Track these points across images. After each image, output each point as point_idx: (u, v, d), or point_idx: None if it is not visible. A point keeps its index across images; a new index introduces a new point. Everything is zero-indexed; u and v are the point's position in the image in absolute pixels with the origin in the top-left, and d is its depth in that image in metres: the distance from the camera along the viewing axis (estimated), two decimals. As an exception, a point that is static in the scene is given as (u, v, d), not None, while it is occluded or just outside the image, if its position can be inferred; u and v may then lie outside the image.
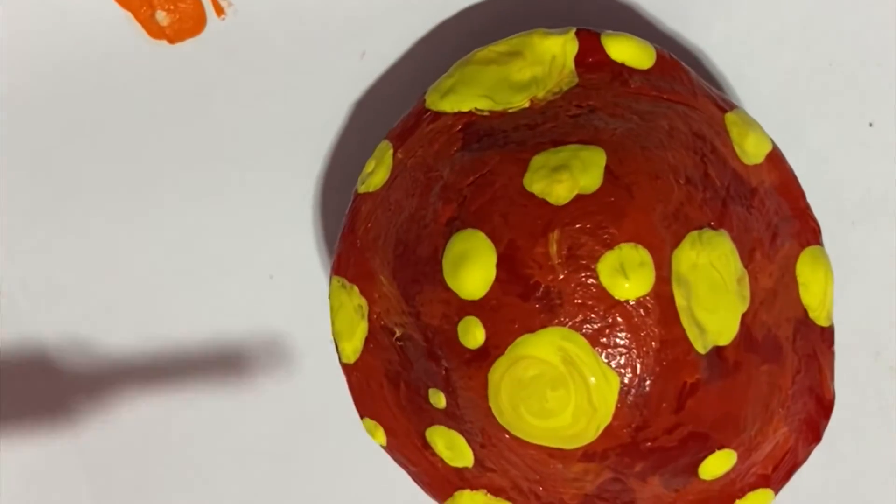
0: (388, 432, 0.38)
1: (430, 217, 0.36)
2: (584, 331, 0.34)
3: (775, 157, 0.38)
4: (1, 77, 0.42)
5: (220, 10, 0.42)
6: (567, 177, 0.35)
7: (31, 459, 0.44)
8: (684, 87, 0.37)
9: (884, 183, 0.42)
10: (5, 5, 0.42)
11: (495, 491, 0.37)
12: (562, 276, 0.34)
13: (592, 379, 0.34)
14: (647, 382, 0.34)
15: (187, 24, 0.42)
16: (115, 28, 0.42)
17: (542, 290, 0.34)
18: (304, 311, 0.43)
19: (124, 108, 0.43)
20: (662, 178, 0.35)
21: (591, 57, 0.37)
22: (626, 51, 0.37)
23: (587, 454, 0.35)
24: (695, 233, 0.35)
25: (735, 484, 0.37)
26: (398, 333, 0.37)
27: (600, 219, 0.34)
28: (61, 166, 0.43)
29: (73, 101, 0.43)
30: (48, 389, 0.44)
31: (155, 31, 0.42)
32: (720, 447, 0.36)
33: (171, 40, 0.42)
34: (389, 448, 0.38)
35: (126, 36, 0.42)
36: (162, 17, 0.42)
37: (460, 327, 0.35)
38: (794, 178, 0.38)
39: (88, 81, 0.43)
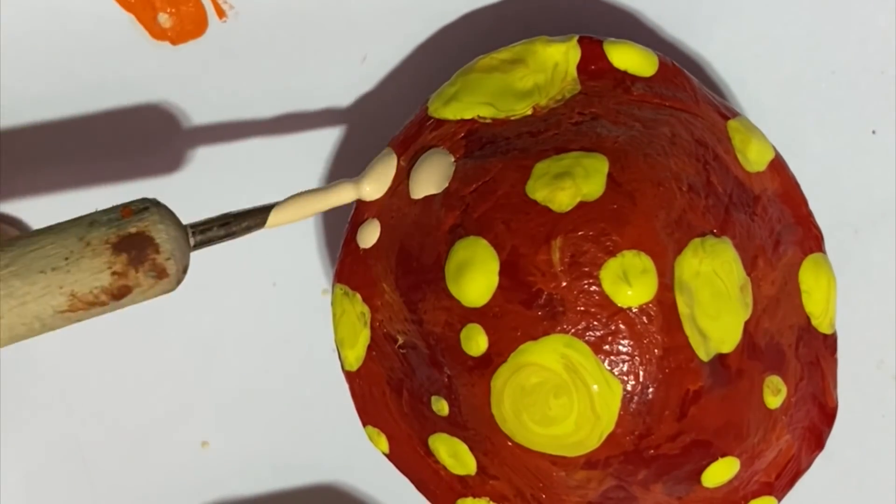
0: (391, 440, 0.38)
1: (433, 224, 0.36)
2: (586, 338, 0.34)
3: (778, 165, 0.38)
4: (2, 79, 0.42)
5: (221, 13, 0.42)
6: (570, 184, 0.35)
7: (32, 459, 0.44)
8: (687, 95, 0.37)
9: (886, 190, 0.42)
10: (7, 7, 0.42)
11: (498, 499, 0.37)
12: (564, 284, 0.34)
13: (595, 386, 0.34)
14: (650, 390, 0.34)
15: (189, 27, 0.42)
16: (118, 30, 0.42)
17: (544, 297, 0.34)
18: (307, 318, 0.43)
19: (126, 108, 0.43)
20: (665, 186, 0.35)
21: (593, 64, 0.37)
22: (628, 58, 0.37)
23: (590, 462, 0.35)
24: (697, 240, 0.35)
25: (738, 491, 0.37)
26: (401, 341, 0.37)
27: (603, 226, 0.34)
28: (63, 166, 0.43)
29: (75, 101, 0.43)
30: (49, 391, 0.44)
31: (157, 32, 0.42)
32: (723, 455, 0.36)
33: (174, 42, 0.42)
34: (392, 456, 0.38)
35: (129, 38, 0.42)
36: (164, 19, 0.42)
37: (463, 334, 0.35)
38: (797, 186, 0.38)
39: (91, 83, 0.42)
